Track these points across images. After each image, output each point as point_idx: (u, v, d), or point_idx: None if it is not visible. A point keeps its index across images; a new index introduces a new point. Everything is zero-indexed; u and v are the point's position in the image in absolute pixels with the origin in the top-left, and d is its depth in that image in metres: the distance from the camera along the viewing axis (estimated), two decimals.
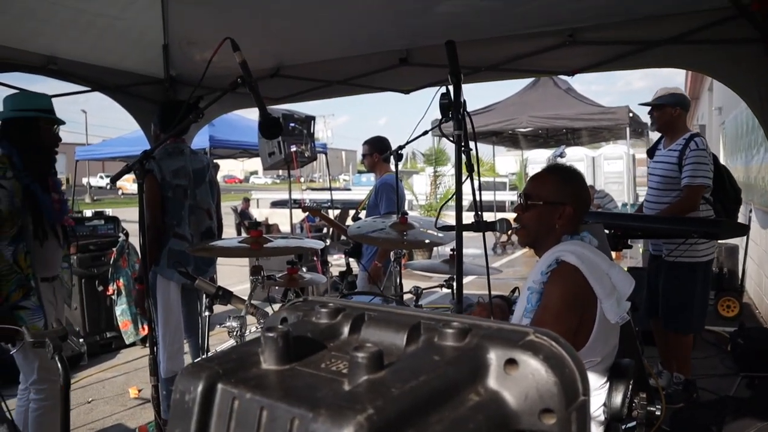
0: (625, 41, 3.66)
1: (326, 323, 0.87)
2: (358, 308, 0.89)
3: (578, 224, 2.17)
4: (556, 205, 2.11)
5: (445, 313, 0.89)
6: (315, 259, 7.40)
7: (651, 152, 4.48)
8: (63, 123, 3.43)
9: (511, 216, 2.28)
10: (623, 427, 2.08)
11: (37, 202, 3.15)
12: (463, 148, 1.58)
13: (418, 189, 17.89)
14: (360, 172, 44.89)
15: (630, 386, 2.15)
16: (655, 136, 5.01)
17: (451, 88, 1.75)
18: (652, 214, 4.28)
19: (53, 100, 4.57)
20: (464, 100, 1.63)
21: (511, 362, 0.71)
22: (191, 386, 0.73)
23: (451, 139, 1.63)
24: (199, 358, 2.55)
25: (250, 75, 1.99)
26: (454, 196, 1.76)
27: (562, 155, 9.07)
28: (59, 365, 1.75)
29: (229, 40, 1.94)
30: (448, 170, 16.25)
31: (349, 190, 28.93)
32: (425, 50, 3.92)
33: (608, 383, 2.04)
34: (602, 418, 1.98)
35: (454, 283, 3.61)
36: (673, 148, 4.17)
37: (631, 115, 11.03)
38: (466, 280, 4.19)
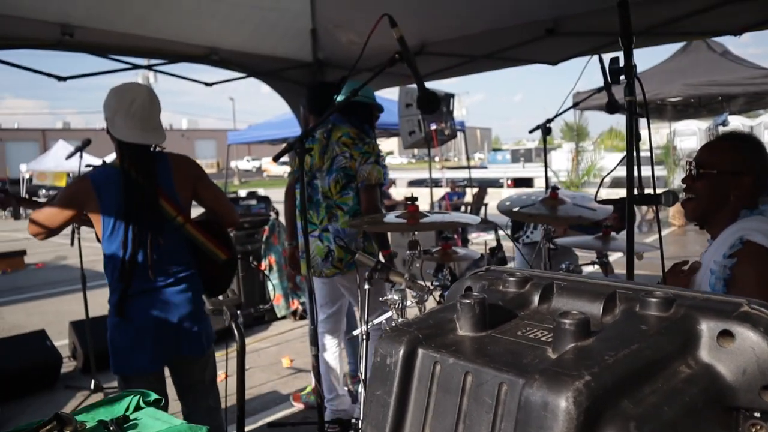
0: None
1: (515, 292, 0.87)
2: (546, 277, 0.88)
3: (757, 197, 1.96)
4: (732, 174, 1.91)
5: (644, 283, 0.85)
6: (456, 237, 7.42)
7: None
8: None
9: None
10: None
11: None
12: (637, 115, 1.50)
13: (557, 165, 17.30)
14: (495, 150, 44.18)
15: None
16: None
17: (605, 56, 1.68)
18: None
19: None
20: (635, 65, 1.55)
21: (725, 334, 0.67)
22: (392, 350, 0.75)
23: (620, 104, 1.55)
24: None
25: (408, 50, 2.01)
26: (624, 167, 1.67)
27: (724, 123, 8.26)
28: (235, 332, 1.88)
29: (387, 16, 1.97)
30: (588, 146, 15.59)
31: (486, 168, 28.66)
32: (574, 19, 3.74)
33: None
34: None
35: (606, 260, 3.50)
36: None
37: None
38: (615, 257, 4.00)
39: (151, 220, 2.50)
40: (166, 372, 2.77)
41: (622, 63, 1.58)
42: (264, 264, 6.64)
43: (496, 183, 22.10)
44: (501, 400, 0.64)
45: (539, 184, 20.46)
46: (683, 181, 2.02)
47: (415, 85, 2.13)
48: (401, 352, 0.74)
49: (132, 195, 2.47)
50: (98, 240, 2.58)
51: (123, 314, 2.49)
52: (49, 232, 2.57)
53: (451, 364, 0.70)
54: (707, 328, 0.68)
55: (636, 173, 1.73)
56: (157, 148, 2.65)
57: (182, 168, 2.70)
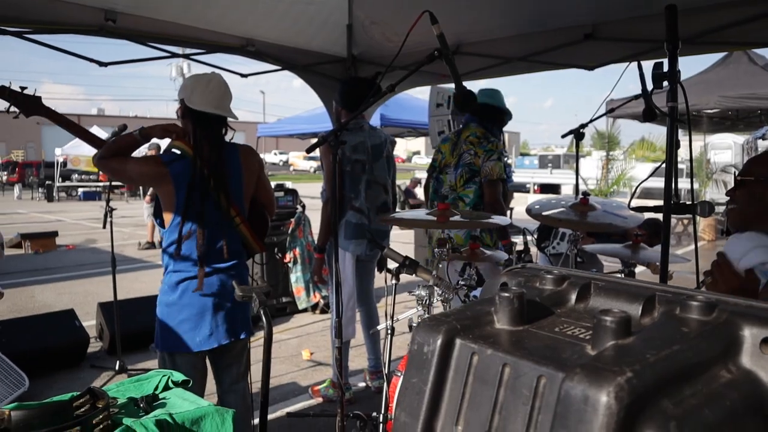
0: None
1: (551, 289, 0.87)
2: (583, 277, 0.88)
3: None
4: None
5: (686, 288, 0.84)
6: None
7: None
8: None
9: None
10: None
11: None
12: (678, 121, 1.49)
13: (585, 173, 17.10)
14: (523, 154, 43.93)
15: None
16: None
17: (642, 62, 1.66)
18: None
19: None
20: (679, 71, 1.54)
21: None
22: (430, 339, 0.76)
23: (664, 111, 1.53)
24: (381, 323, 2.68)
25: (447, 47, 2.01)
26: (655, 178, 1.65)
27: (764, 137, 8.09)
28: (264, 319, 1.89)
29: (428, 12, 1.97)
30: (619, 155, 15.40)
31: (513, 172, 28.48)
32: (613, 24, 3.70)
33: None
34: None
35: (632, 270, 3.46)
36: None
37: None
38: (637, 270, 3.96)
39: (217, 221, 2.71)
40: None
41: (665, 68, 1.56)
42: (288, 256, 6.68)
43: (522, 188, 21.91)
44: (539, 392, 0.64)
45: (566, 191, 20.25)
46: (727, 193, 2.02)
47: (446, 85, 2.15)
48: (439, 341, 0.75)
49: (201, 198, 2.65)
50: (162, 225, 2.73)
51: (177, 294, 2.67)
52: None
53: (489, 355, 0.71)
54: (750, 334, 0.68)
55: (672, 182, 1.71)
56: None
57: (249, 160, 2.92)
